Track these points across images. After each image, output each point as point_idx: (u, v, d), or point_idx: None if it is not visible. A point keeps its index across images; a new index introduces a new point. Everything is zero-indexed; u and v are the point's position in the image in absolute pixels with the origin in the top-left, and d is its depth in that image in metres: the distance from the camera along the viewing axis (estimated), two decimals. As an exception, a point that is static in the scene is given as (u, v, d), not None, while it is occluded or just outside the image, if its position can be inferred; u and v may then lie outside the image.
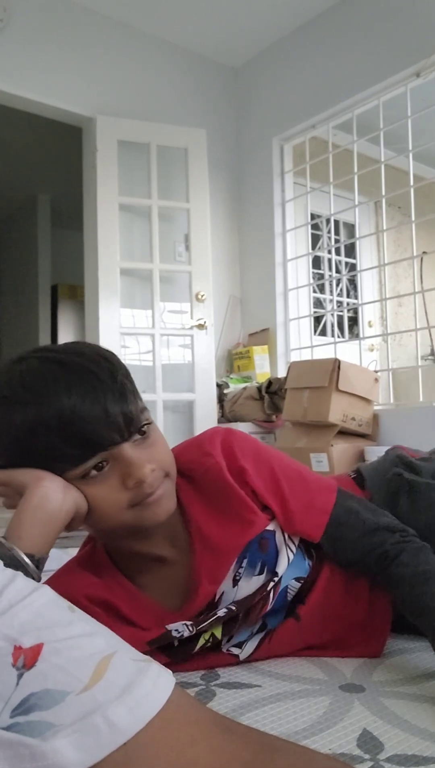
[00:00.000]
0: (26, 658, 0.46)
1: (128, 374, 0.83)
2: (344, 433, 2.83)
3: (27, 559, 0.71)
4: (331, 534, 0.96)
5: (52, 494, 0.77)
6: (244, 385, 3.46)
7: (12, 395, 0.77)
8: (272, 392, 3.23)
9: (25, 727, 0.43)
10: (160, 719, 0.46)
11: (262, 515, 0.94)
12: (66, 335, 5.78)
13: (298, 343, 3.71)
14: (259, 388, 3.30)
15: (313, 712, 0.81)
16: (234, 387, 3.48)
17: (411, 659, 0.98)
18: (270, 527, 0.95)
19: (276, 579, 0.95)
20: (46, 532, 0.75)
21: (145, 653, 0.86)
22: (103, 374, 0.78)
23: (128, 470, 0.80)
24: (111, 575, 0.94)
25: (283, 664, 0.99)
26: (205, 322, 3.42)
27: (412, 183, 3.16)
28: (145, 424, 0.83)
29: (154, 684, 0.48)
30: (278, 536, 0.96)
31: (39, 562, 0.73)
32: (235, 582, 0.93)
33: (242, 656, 0.98)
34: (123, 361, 0.85)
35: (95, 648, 0.49)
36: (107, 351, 0.84)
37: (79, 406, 0.75)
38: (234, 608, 0.92)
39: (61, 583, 0.90)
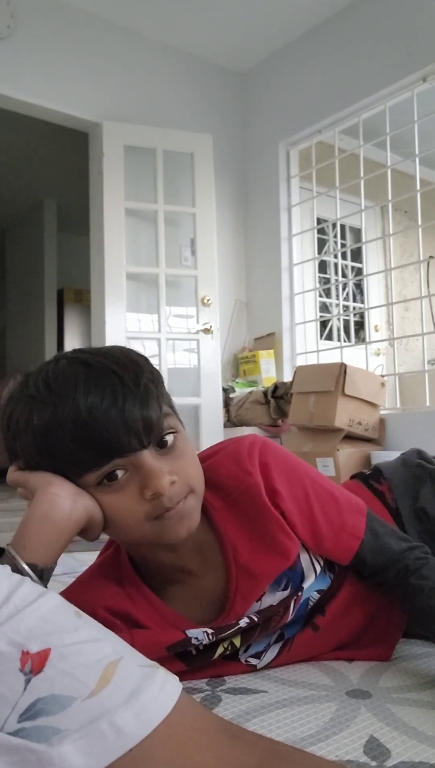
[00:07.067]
0: (33, 664, 0.46)
1: (156, 379, 0.79)
2: (350, 437, 2.83)
3: (28, 569, 0.68)
4: (357, 557, 0.95)
5: (61, 501, 0.73)
6: (250, 389, 3.46)
7: (36, 395, 0.75)
8: (278, 396, 3.22)
9: (32, 733, 0.43)
10: (166, 725, 0.46)
11: (296, 539, 0.92)
12: (72, 340, 5.80)
13: (304, 347, 3.71)
14: (265, 393, 3.29)
15: (319, 718, 0.81)
16: (240, 391, 3.48)
17: (418, 665, 0.98)
18: None
19: (300, 593, 0.94)
20: (52, 541, 0.72)
21: (162, 659, 0.83)
22: (126, 377, 0.75)
23: (146, 480, 0.75)
24: (134, 585, 0.91)
25: (289, 670, 0.98)
26: (211, 327, 3.43)
27: (418, 187, 3.17)
28: (169, 433, 0.78)
29: (161, 689, 0.48)
30: (304, 557, 0.94)
31: (43, 573, 0.69)
32: (259, 598, 0.92)
33: (260, 666, 0.97)
34: (155, 367, 0.81)
35: (102, 653, 0.49)
36: (140, 355, 0.81)
37: (95, 409, 0.72)
38: (256, 618, 0.90)
39: (81, 592, 0.88)
